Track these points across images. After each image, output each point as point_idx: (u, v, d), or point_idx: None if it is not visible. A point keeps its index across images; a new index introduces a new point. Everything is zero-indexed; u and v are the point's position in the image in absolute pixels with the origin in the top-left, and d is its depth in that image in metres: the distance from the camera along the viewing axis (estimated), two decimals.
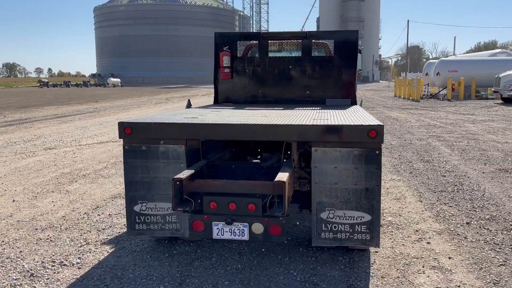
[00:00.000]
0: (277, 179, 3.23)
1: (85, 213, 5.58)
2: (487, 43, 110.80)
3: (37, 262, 4.09)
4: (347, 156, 3.65)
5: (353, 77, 6.58)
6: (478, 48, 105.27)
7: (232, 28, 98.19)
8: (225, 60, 6.74)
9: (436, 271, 3.86)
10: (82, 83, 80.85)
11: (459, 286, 3.57)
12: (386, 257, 4.18)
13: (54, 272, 3.88)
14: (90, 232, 4.91)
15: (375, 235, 3.71)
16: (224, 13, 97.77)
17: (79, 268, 3.97)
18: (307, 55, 6.58)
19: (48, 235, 4.79)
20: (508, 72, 23.34)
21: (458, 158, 8.79)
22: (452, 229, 4.89)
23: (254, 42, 6.81)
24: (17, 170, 8.32)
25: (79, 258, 4.19)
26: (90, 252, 4.33)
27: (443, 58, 31.58)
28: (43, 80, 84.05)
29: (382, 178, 4.37)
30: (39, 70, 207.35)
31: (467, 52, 79.54)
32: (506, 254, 4.19)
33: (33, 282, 3.69)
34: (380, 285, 3.62)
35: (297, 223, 5.14)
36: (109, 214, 5.51)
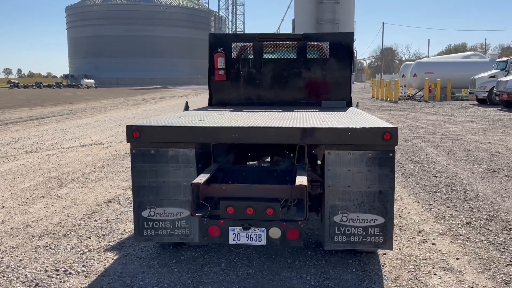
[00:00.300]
0: (298, 183, 3.19)
1: (81, 218, 5.43)
2: (457, 46, 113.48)
3: (40, 271, 3.95)
4: (361, 159, 3.64)
5: (349, 79, 6.60)
6: (449, 51, 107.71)
7: (208, 29, 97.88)
8: (220, 62, 6.68)
9: (446, 272, 3.89)
10: (54, 84, 79.14)
11: (471, 287, 3.60)
12: (395, 259, 4.19)
13: (60, 281, 3.75)
14: (90, 238, 4.77)
15: (388, 238, 3.71)
16: (200, 13, 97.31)
17: (85, 277, 3.84)
18: (302, 57, 6.57)
19: (47, 243, 4.63)
20: (483, 74, 23.95)
21: (446, 158, 8.94)
22: (454, 229, 4.95)
23: (249, 43, 6.76)
24: (1, 174, 8.05)
25: (83, 266, 4.06)
26: (94, 260, 4.20)
27: (419, 60, 32.17)
28: (13, 81, 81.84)
29: None
30: (8, 71, 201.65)
31: (438, 54, 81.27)
32: (511, 254, 4.26)
33: None
34: (395, 287, 3.63)
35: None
36: (107, 220, 5.37)
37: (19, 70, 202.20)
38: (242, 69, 6.69)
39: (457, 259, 4.16)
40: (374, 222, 3.69)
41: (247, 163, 5.16)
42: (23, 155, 10.08)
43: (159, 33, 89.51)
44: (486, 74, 23.82)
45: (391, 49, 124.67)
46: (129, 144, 3.82)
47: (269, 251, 4.33)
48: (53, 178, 7.68)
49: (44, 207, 5.96)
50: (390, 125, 3.61)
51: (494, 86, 21.73)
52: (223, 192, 3.38)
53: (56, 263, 4.11)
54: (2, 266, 4.04)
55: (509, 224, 5.07)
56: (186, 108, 6.09)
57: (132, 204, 5.98)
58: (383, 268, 3.99)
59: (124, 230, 5.01)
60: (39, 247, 4.52)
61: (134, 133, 3.77)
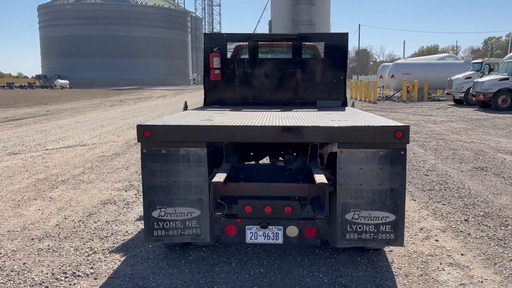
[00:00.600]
0: (319, 181, 3.21)
1: (80, 220, 5.33)
2: (430, 47, 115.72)
3: (47, 274, 3.86)
4: (373, 157, 3.68)
5: (343, 79, 6.66)
6: (421, 52, 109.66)
7: (184, 30, 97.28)
8: (215, 62, 6.64)
9: (454, 268, 3.97)
10: (27, 84, 77.27)
11: (481, 282, 3.69)
12: (402, 255, 4.25)
13: (70, 284, 3.67)
14: (93, 240, 4.68)
15: (399, 235, 3.75)
16: (176, 14, 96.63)
17: (95, 279, 3.77)
18: (297, 57, 6.60)
19: (48, 245, 4.53)
20: (459, 75, 24.52)
21: (434, 157, 9.11)
22: (454, 226, 5.05)
23: (244, 43, 6.76)
24: None
25: (91, 268, 3.99)
26: (100, 261, 4.13)
27: (397, 62, 32.71)
28: None
29: None
30: None
31: (411, 56, 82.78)
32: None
33: None
34: (407, 283, 3.68)
35: None
36: (106, 221, 5.29)
37: None
38: (237, 69, 6.68)
39: (462, 255, 4.25)
40: (385, 220, 3.74)
41: (257, 162, 5.18)
42: (6, 157, 9.82)
43: (135, 33, 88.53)
44: (462, 75, 24.40)
45: (365, 51, 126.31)
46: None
47: (277, 250, 4.33)
48: (42, 180, 7.51)
49: (39, 209, 5.82)
50: (402, 124, 3.66)
51: (470, 87, 22.27)
52: (241, 191, 3.38)
53: (62, 266, 4.02)
54: (6, 270, 3.94)
55: (506, 220, 5.21)
56: (185, 108, 6.04)
57: (128, 206, 5.96)
58: (392, 265, 4.04)
59: (126, 232, 4.94)
60: (41, 249, 4.41)
61: (145, 133, 3.72)
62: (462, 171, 7.84)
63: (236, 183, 3.46)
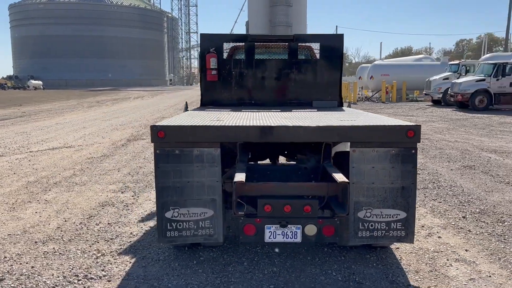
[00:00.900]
0: (339, 180, 3.26)
1: (81, 223, 5.25)
2: (404, 49, 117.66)
3: (58, 277, 3.80)
4: (385, 156, 3.76)
5: (338, 79, 6.74)
6: (396, 54, 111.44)
7: (160, 30, 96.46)
8: (212, 62, 6.63)
9: (461, 263, 4.08)
10: None
11: (489, 276, 3.81)
12: (409, 252, 4.35)
13: (84, 287, 3.63)
14: (98, 242, 4.63)
15: (410, 232, 3.84)
16: (152, 14, 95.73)
17: (108, 281, 3.74)
18: (294, 57, 6.66)
19: (54, 248, 4.45)
20: (437, 76, 25.07)
21: (422, 156, 9.30)
22: (453, 223, 5.19)
23: (241, 44, 6.77)
24: None
25: (102, 270, 3.94)
26: (111, 263, 4.09)
27: (376, 63, 33.19)
28: None
29: None
30: None
31: (386, 57, 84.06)
32: None
33: None
34: (419, 279, 3.77)
35: None
36: (108, 223, 5.23)
37: None
38: (234, 69, 6.69)
39: (466, 250, 4.37)
40: (396, 217, 3.82)
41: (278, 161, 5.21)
42: None
43: (110, 33, 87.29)
44: (440, 76, 24.95)
45: None
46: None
47: (286, 249, 4.37)
48: (33, 183, 7.36)
49: (36, 212, 5.71)
50: (414, 123, 3.75)
51: (448, 88, 22.79)
52: (260, 190, 3.40)
53: (72, 269, 3.96)
54: (15, 274, 3.86)
55: (501, 217, 5.37)
56: (186, 108, 6.02)
57: (127, 207, 5.91)
58: (401, 262, 4.13)
59: (131, 233, 4.90)
60: (47, 253, 4.34)
61: (159, 133, 3.71)
62: (451, 169, 8.03)
63: (255, 183, 3.48)
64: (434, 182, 7.09)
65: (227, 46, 6.77)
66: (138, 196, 6.42)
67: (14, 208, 5.91)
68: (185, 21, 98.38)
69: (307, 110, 5.82)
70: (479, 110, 20.20)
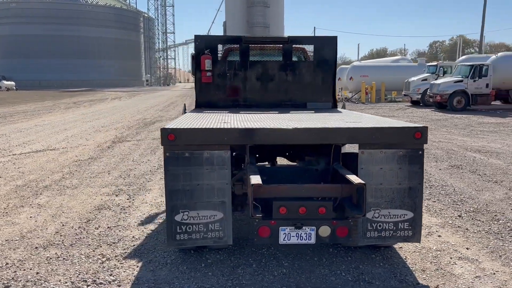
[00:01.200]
0: (356, 181, 3.29)
1: (80, 227, 5.17)
2: (379, 50, 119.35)
3: (66, 283, 3.73)
4: (392, 157, 3.82)
5: (333, 81, 6.81)
6: (371, 55, 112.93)
7: (137, 30, 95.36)
8: (207, 64, 6.61)
9: (465, 261, 4.17)
10: None
11: (494, 274, 3.91)
12: (412, 252, 4.42)
13: None
14: (101, 246, 4.56)
15: (417, 231, 3.92)
16: (128, 14, 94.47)
17: (118, 286, 3.69)
18: (288, 59, 6.69)
19: (56, 253, 4.37)
20: (416, 77, 25.53)
21: None
22: (450, 222, 5.30)
23: (235, 46, 6.77)
24: None
25: (110, 275, 3.89)
26: (117, 268, 4.04)
27: (355, 64, 33.57)
28: None
29: None
30: None
31: (362, 58, 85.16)
32: (511, 241, 4.64)
33: None
34: (427, 278, 3.84)
35: None
36: (108, 227, 5.16)
37: None
38: (228, 71, 6.69)
39: (467, 249, 4.48)
40: (404, 217, 3.89)
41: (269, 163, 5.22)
42: None
43: (85, 33, 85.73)
44: (418, 77, 25.42)
45: None
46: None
47: (292, 251, 4.39)
48: (22, 186, 7.20)
49: (30, 216, 5.59)
50: (421, 125, 3.83)
51: (427, 89, 23.23)
52: (276, 192, 3.41)
53: (79, 274, 3.90)
54: (21, 281, 3.78)
55: (495, 215, 5.51)
56: (185, 110, 5.99)
57: (125, 211, 5.85)
58: (406, 261, 4.20)
59: (133, 237, 4.85)
60: (50, 258, 4.25)
61: (169, 136, 3.68)
62: (440, 169, 8.20)
63: (271, 185, 3.49)
64: (425, 182, 7.21)
65: (221, 47, 6.76)
66: (133, 199, 6.35)
67: (7, 213, 5.77)
68: (162, 21, 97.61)
69: (306, 112, 5.87)
70: (457, 111, 20.67)
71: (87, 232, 5.01)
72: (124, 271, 3.97)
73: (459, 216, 5.51)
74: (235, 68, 6.68)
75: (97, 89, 69.95)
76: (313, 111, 5.97)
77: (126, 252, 4.41)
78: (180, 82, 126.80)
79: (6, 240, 4.76)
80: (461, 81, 21.05)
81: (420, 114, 19.45)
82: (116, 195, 6.57)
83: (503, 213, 5.59)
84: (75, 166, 8.80)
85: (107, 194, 6.63)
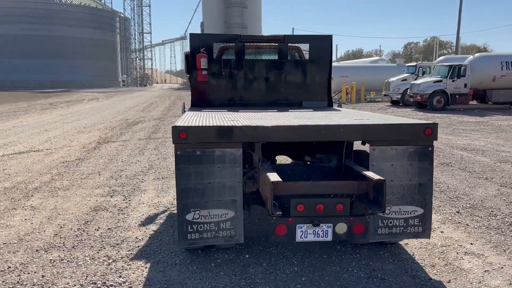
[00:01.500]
0: (376, 178, 3.30)
1: (79, 229, 5.04)
2: (355, 51, 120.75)
3: (75, 285, 3.64)
4: (403, 154, 3.85)
5: (328, 80, 6.83)
6: (348, 56, 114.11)
7: (113, 30, 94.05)
8: (203, 62, 6.55)
9: (472, 256, 4.23)
10: None
11: (502, 268, 3.97)
12: (418, 248, 4.46)
13: None
14: (105, 248, 4.46)
15: (427, 227, 3.96)
16: (103, 13, 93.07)
17: (130, 287, 3.60)
18: (284, 58, 6.69)
19: (59, 256, 4.25)
20: (395, 78, 25.88)
21: None
22: (450, 218, 5.37)
23: (231, 44, 6.72)
24: None
25: (119, 276, 3.80)
26: (126, 270, 3.95)
27: (335, 64, 33.73)
28: None
29: None
30: None
31: (338, 60, 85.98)
32: (511, 236, 4.74)
33: None
34: (438, 273, 3.88)
35: None
36: (109, 228, 5.05)
37: None
38: (224, 70, 6.64)
39: (471, 244, 4.54)
40: (414, 213, 3.92)
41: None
42: None
43: (59, 33, 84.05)
44: (398, 77, 25.79)
45: None
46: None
47: (300, 249, 4.37)
48: (10, 189, 6.99)
49: (25, 219, 5.43)
50: (431, 122, 3.86)
51: (407, 89, 23.58)
52: (293, 190, 3.38)
53: (86, 276, 3.80)
54: (27, 285, 3.65)
55: (492, 211, 5.62)
56: (184, 109, 5.91)
57: (122, 211, 5.75)
58: (414, 257, 4.23)
59: (136, 238, 4.75)
60: (54, 261, 4.13)
61: (181, 134, 3.62)
62: None
63: (289, 182, 3.46)
64: None
65: (217, 46, 6.70)
66: (129, 200, 6.23)
67: None
68: (138, 22, 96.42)
69: (305, 110, 5.87)
70: (437, 110, 21.04)
71: (87, 233, 4.89)
72: (133, 273, 3.88)
73: (458, 212, 5.59)
74: (230, 67, 6.64)
75: (72, 90, 68.66)
76: (312, 110, 5.97)
77: (132, 253, 4.32)
78: (157, 82, 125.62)
79: (4, 244, 4.61)
80: (440, 81, 21.44)
81: (401, 114, 19.70)
82: (111, 196, 6.44)
83: (499, 209, 5.70)
84: (63, 167, 8.60)
85: (102, 195, 6.49)
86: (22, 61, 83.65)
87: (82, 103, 35.98)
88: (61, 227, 5.10)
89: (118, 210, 5.77)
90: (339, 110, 6.05)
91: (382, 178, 3.30)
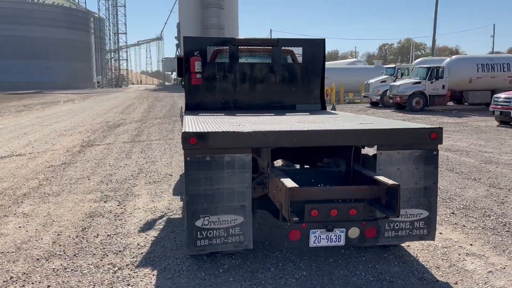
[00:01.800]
0: (390, 182, 3.33)
1: (77, 236, 4.94)
2: (331, 52, 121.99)
3: None
4: (409, 158, 3.91)
5: (321, 83, 6.89)
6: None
7: (87, 30, 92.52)
8: (197, 66, 6.52)
9: (473, 257, 4.32)
10: None
11: (504, 268, 4.07)
12: (420, 249, 4.53)
13: None
14: (108, 256, 4.38)
15: (431, 229, 4.03)
16: (77, 13, 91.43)
17: None
18: (277, 61, 6.72)
19: (61, 264, 4.16)
20: (375, 79, 26.23)
21: None
22: (446, 219, 5.47)
23: (225, 47, 6.71)
24: None
25: (128, 285, 3.75)
26: (133, 277, 3.89)
27: None
28: None
29: None
30: None
31: None
32: (508, 237, 4.86)
33: None
34: (443, 274, 3.95)
35: None
36: (108, 235, 4.97)
37: None
38: (218, 73, 6.62)
39: (471, 245, 4.64)
40: (419, 216, 3.98)
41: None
42: None
43: (31, 33, 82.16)
44: (377, 79, 26.15)
45: None
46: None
47: (306, 254, 4.38)
48: None
49: (19, 226, 5.29)
50: (437, 126, 3.93)
51: (386, 90, 23.94)
52: (308, 195, 3.39)
53: (94, 285, 3.73)
54: None
55: (485, 212, 5.75)
56: (181, 114, 5.86)
57: (119, 217, 5.68)
58: (418, 259, 4.29)
59: (138, 244, 4.69)
60: (57, 270, 4.04)
61: (191, 140, 3.59)
62: None
63: (304, 188, 3.46)
64: None
65: (210, 49, 6.68)
66: (124, 206, 6.14)
67: None
68: (113, 22, 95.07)
69: (302, 114, 5.90)
70: (416, 111, 21.42)
71: (87, 241, 4.80)
72: (141, 280, 3.83)
73: (453, 213, 5.70)
74: (224, 70, 6.63)
75: (45, 92, 67.20)
76: (308, 113, 6.01)
77: (136, 261, 4.25)
78: (133, 83, 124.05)
79: (2, 253, 4.48)
80: (419, 82, 21.84)
81: (382, 115, 20.00)
82: (105, 202, 6.34)
83: (491, 209, 5.84)
84: (49, 172, 8.41)
85: (95, 201, 6.38)
86: None
87: (58, 105, 35.26)
88: (58, 235, 4.99)
89: (115, 216, 5.68)
90: (337, 114, 6.10)
91: (396, 183, 3.34)
